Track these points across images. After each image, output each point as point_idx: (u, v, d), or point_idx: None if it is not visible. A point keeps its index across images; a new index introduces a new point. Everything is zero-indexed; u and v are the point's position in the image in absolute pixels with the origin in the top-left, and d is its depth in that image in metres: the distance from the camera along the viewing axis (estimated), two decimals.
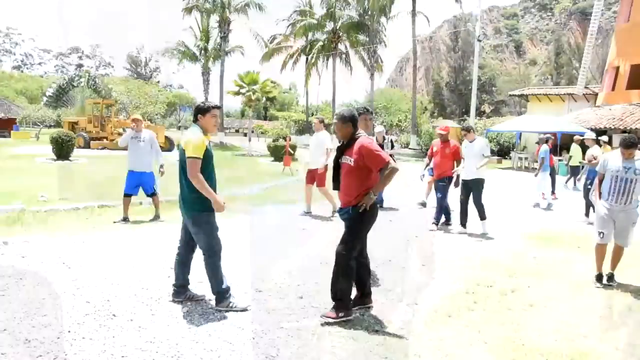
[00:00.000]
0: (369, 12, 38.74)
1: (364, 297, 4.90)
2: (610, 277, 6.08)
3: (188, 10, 40.14)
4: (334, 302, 4.58)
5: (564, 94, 32.96)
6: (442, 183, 9.22)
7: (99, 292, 5.01)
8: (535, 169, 14.93)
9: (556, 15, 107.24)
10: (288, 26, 45.95)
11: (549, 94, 33.86)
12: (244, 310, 4.72)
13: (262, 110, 74.68)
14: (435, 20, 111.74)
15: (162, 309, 4.69)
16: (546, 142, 13.35)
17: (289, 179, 15.77)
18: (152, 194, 8.86)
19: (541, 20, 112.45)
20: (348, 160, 4.61)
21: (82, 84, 37.23)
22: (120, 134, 28.22)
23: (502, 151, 33.63)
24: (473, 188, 8.87)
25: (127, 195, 8.64)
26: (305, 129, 49.01)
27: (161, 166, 8.93)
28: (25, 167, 15.91)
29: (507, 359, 3.97)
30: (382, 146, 10.55)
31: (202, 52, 43.42)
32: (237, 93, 32.54)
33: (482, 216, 8.98)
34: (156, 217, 8.86)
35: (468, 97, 45.19)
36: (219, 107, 5.02)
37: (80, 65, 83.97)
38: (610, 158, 6.16)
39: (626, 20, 28.70)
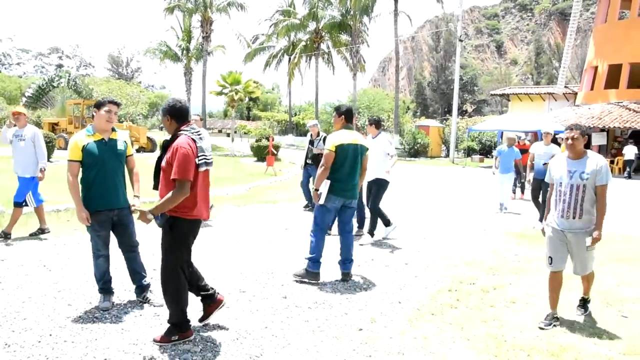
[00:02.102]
0: (351, 12, 38.82)
1: (209, 301, 4.40)
2: (584, 303, 5.01)
3: (170, 9, 39.90)
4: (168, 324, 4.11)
5: (545, 94, 33.42)
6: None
7: (80, 295, 4.96)
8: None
9: (536, 16, 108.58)
10: (270, 26, 45.95)
11: (530, 94, 34.29)
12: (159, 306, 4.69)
13: (245, 111, 74.47)
14: (417, 21, 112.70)
15: (145, 310, 4.66)
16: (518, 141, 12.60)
17: (272, 179, 15.75)
18: (21, 204, 7.20)
19: (521, 20, 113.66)
20: (164, 158, 4.01)
21: (62, 85, 36.76)
22: None
23: (484, 150, 33.95)
24: (372, 190, 7.89)
25: (18, 204, 7.20)
26: (288, 129, 48.98)
27: (41, 170, 7.21)
28: (3, 168, 15.67)
29: (489, 355, 4.01)
30: (312, 142, 10.29)
31: (184, 52, 43.19)
32: (220, 93, 32.37)
33: (384, 222, 8.10)
34: (38, 232, 7.42)
35: (450, 97, 45.55)
36: (117, 104, 4.77)
37: (60, 66, 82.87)
38: (554, 161, 4.98)
39: (604, 21, 29.18)
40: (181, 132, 3.97)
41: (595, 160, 4.60)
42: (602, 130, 25.34)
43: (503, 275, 6.25)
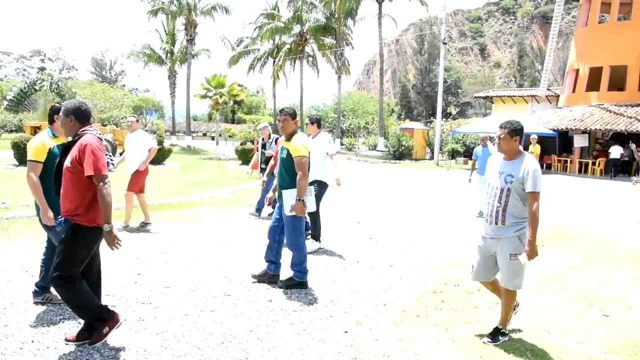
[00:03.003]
0: (336, 15, 38.90)
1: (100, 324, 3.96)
2: (495, 334, 4.35)
3: (154, 12, 39.67)
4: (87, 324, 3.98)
5: (527, 96, 33.78)
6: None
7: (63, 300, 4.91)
8: None
9: (519, 19, 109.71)
10: (255, 29, 45.88)
11: (513, 96, 34.64)
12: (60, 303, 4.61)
13: (230, 114, 74.23)
14: (401, 24, 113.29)
15: (129, 315, 4.62)
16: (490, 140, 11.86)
17: (257, 182, 15.70)
18: None
19: (504, 23, 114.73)
20: (68, 160, 3.83)
21: (44, 88, 36.28)
22: None
23: (469, 152, 34.14)
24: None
25: None
26: (273, 132, 48.87)
27: None
28: None
29: (474, 356, 4.04)
30: (264, 146, 10.03)
31: (168, 55, 42.98)
32: (204, 96, 32.21)
33: (313, 233, 7.51)
34: None
35: (434, 99, 45.85)
36: None
37: (42, 69, 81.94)
38: (490, 160, 4.57)
39: (584, 25, 29.58)
40: (85, 131, 3.88)
41: (525, 164, 4.16)
42: (584, 132, 25.65)
43: None
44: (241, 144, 25.69)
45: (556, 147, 26.99)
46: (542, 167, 27.30)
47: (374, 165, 28.54)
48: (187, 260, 6.56)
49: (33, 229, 7.86)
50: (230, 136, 50.45)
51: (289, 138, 5.55)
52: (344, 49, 40.64)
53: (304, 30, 41.50)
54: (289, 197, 5.39)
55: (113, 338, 4.09)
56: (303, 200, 5.34)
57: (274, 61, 44.10)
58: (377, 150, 37.10)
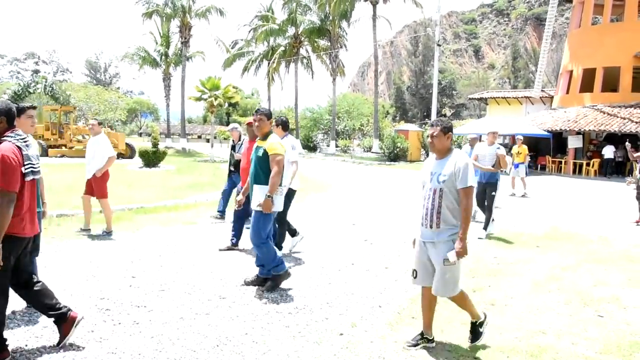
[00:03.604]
0: (330, 17, 38.92)
1: (62, 321, 3.98)
2: (473, 328, 4.28)
3: (148, 14, 39.59)
4: None
5: (522, 97, 33.86)
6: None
7: None
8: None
9: (512, 21, 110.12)
10: (249, 31, 45.81)
11: (507, 97, 34.71)
12: None
13: (225, 116, 74.18)
14: (396, 25, 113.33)
15: (124, 318, 4.60)
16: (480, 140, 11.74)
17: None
18: None
19: (498, 25, 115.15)
20: None
21: (38, 90, 36.17)
22: (79, 142, 27.66)
23: None
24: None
25: None
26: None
27: None
28: None
29: (469, 357, 4.05)
30: (234, 147, 9.55)
31: (163, 57, 42.92)
32: (199, 99, 32.25)
33: (290, 232, 7.36)
34: None
35: (429, 101, 45.90)
36: (35, 107, 4.63)
37: (36, 71, 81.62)
38: (425, 161, 4.44)
39: (578, 26, 29.71)
40: (5, 137, 3.61)
41: (454, 161, 4.02)
42: (578, 133, 25.75)
43: (482, 277, 6.30)
44: None
45: (550, 148, 27.09)
46: (536, 168, 27.45)
47: (369, 167, 28.57)
48: (182, 263, 6.54)
49: None
50: (225, 138, 50.42)
51: (264, 138, 5.57)
52: (339, 51, 40.69)
53: (299, 32, 41.51)
54: (259, 192, 5.39)
55: (105, 341, 4.08)
56: (272, 197, 5.34)
57: (269, 63, 44.07)
58: (372, 152, 37.12)
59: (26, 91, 36.81)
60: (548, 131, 26.14)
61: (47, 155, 25.58)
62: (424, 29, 72.20)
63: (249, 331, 4.42)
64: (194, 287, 5.54)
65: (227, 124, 70.99)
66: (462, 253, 3.93)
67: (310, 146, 44.43)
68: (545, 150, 27.78)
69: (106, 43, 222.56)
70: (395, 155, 31.63)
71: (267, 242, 5.54)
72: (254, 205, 5.45)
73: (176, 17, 39.89)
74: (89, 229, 8.25)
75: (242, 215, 7.30)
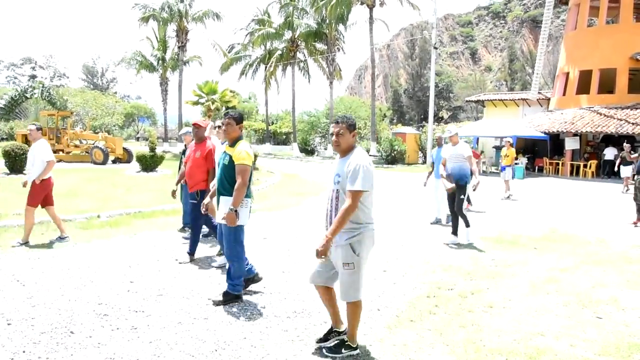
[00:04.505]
0: (327, 21, 38.96)
1: None
2: (338, 345, 4.10)
3: (145, 19, 39.63)
4: None
5: (519, 99, 33.92)
6: (193, 201, 6.83)
7: (55, 309, 4.87)
8: (493, 172, 15.22)
9: (509, 23, 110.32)
10: (246, 35, 45.88)
11: (504, 100, 34.77)
12: None
13: None
14: (392, 28, 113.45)
15: (122, 324, 4.59)
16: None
17: (250, 188, 15.67)
18: None
19: (495, 28, 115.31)
20: None
21: (35, 95, 36.11)
22: (76, 146, 27.62)
23: None
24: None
25: None
26: (265, 138, 48.90)
27: None
28: None
29: None
30: (185, 152, 9.16)
31: (160, 62, 42.92)
32: (196, 103, 32.25)
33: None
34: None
35: (426, 104, 45.98)
36: None
37: (33, 76, 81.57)
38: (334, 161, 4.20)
39: (573, 28, 29.79)
40: None
41: (350, 160, 3.81)
42: (575, 135, 25.80)
43: (480, 280, 6.30)
44: None
45: (548, 150, 27.14)
46: (534, 169, 27.50)
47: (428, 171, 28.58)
48: (180, 268, 6.53)
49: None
50: (222, 142, 50.28)
51: (232, 144, 5.20)
52: (336, 54, 40.73)
53: (295, 36, 41.57)
54: (225, 205, 5.10)
55: (103, 347, 4.07)
56: (237, 211, 5.00)
57: (266, 67, 44.13)
58: (370, 155, 37.11)
59: (23, 96, 36.76)
60: (545, 133, 26.20)
61: None
62: (420, 31, 72.24)
63: (247, 335, 4.42)
64: (192, 292, 5.53)
65: None
66: (321, 252, 3.68)
67: (307, 150, 44.43)
68: (543, 152, 27.84)
69: (103, 48, 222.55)
70: (393, 158, 31.65)
71: (242, 256, 5.30)
72: (219, 219, 5.19)
73: (173, 21, 39.94)
74: (67, 236, 7.91)
75: (186, 200, 7.07)
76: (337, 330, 4.20)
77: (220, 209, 5.20)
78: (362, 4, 37.03)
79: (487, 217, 11.66)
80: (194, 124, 7.01)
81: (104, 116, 47.88)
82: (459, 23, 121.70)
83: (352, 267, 3.82)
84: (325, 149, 41.79)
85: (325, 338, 4.17)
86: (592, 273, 6.73)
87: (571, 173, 25.83)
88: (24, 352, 3.97)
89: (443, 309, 5.19)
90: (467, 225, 8.53)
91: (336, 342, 4.13)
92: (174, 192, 7.57)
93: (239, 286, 5.31)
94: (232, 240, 5.21)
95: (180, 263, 6.75)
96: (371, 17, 36.99)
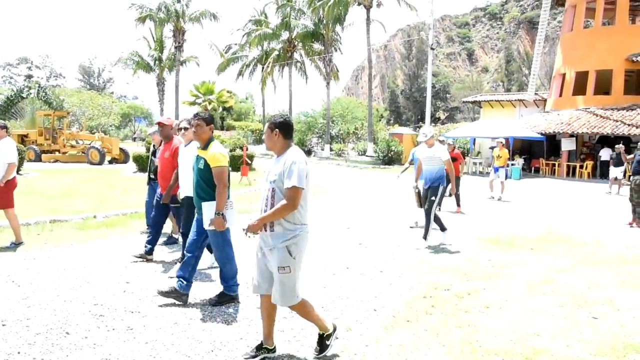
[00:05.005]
0: (324, 22, 39.00)
1: None
2: (320, 340, 4.06)
3: (141, 19, 39.61)
4: None
5: (515, 100, 33.97)
6: (174, 205, 6.70)
7: (51, 310, 4.86)
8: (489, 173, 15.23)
9: (505, 24, 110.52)
10: (243, 36, 45.88)
11: (501, 101, 34.82)
12: None
13: (219, 120, 74.03)
14: (389, 29, 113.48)
15: (118, 324, 4.58)
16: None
17: (246, 189, 15.68)
18: None
19: (492, 29, 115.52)
20: None
21: (31, 95, 35.99)
22: (73, 147, 27.56)
23: None
24: (182, 211, 6.19)
25: None
26: (262, 138, 48.87)
27: None
28: None
29: None
30: (155, 153, 9.05)
31: (157, 62, 42.90)
32: (193, 103, 32.32)
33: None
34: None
35: (423, 104, 46.00)
36: None
37: (29, 76, 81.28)
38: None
39: (570, 30, 29.87)
40: None
41: (285, 158, 3.79)
42: (571, 135, 25.86)
43: (477, 280, 6.31)
44: (230, 151, 25.65)
45: (544, 151, 27.21)
46: (530, 170, 27.56)
47: (364, 170, 28.59)
48: (176, 268, 6.51)
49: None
50: (185, 145, 50.24)
51: (205, 146, 5.08)
52: (333, 55, 40.75)
53: (293, 37, 41.60)
54: (209, 210, 4.96)
55: (99, 347, 4.06)
56: (223, 214, 4.93)
57: (263, 67, 44.14)
58: (367, 156, 37.15)
59: (19, 96, 36.63)
60: (541, 134, 26.26)
61: (40, 160, 25.50)
62: (417, 32, 72.43)
63: (243, 336, 4.41)
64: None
65: (222, 128, 70.95)
66: (250, 227, 3.72)
67: (304, 150, 44.43)
68: (539, 153, 27.90)
69: (100, 48, 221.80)
70: (390, 158, 31.68)
71: (233, 258, 5.26)
72: (206, 225, 5.01)
73: (170, 21, 39.93)
74: (22, 242, 7.54)
75: (158, 221, 6.90)
76: (267, 347, 4.00)
77: (205, 215, 5.01)
78: (359, 4, 37.11)
79: (484, 217, 11.67)
80: (158, 123, 6.87)
81: (100, 116, 47.76)
82: (456, 24, 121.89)
83: (288, 271, 3.73)
84: (322, 149, 41.76)
85: (255, 355, 3.97)
86: (588, 274, 6.74)
87: (567, 174, 25.89)
88: (19, 353, 3.96)
89: (439, 310, 5.19)
90: (443, 229, 8.45)
91: (317, 340, 4.05)
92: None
93: (234, 286, 5.29)
94: (221, 242, 5.16)
95: (136, 259, 6.74)
96: (368, 18, 37.06)
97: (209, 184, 5.03)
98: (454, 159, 12.38)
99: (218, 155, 5.00)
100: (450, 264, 7.08)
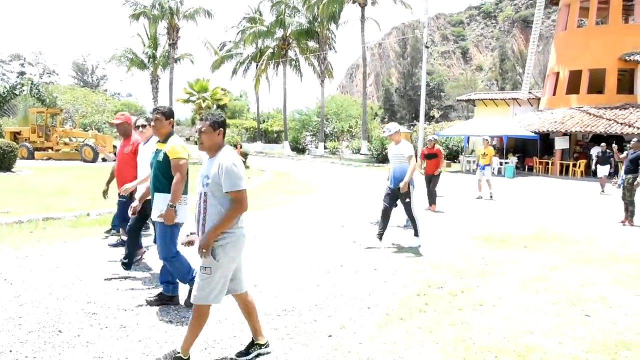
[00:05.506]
0: (319, 19, 38.97)
1: None
2: (251, 348, 3.97)
3: (135, 16, 39.41)
4: None
5: (509, 99, 34.10)
6: (122, 199, 6.58)
7: (43, 308, 4.83)
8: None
9: (500, 23, 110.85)
10: (238, 33, 45.75)
11: (495, 99, 34.94)
12: None
13: None
14: (384, 27, 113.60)
15: (111, 322, 4.56)
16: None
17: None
18: None
19: (486, 27, 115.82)
20: None
21: (24, 92, 35.80)
22: (66, 144, 27.42)
23: (451, 155, 34.44)
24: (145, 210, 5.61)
25: None
26: (256, 136, 48.82)
27: None
28: None
29: (458, 358, 4.05)
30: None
31: (151, 59, 42.69)
32: (187, 101, 32.21)
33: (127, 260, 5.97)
34: None
35: (417, 103, 46.09)
36: None
37: (22, 73, 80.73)
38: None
39: (564, 29, 29.98)
40: None
41: (219, 160, 3.65)
42: (565, 134, 25.97)
43: (470, 278, 6.33)
44: None
45: (537, 149, 27.31)
46: (524, 169, 27.65)
47: (358, 168, 28.61)
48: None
49: (12, 236, 7.76)
50: (144, 143, 50.19)
51: (164, 140, 4.89)
52: (327, 53, 40.74)
53: (287, 34, 41.54)
54: (161, 201, 4.81)
55: (92, 346, 4.04)
56: (175, 207, 4.75)
57: (257, 65, 44.05)
58: (361, 154, 37.18)
59: (12, 93, 36.43)
60: (535, 132, 26.36)
61: (33, 158, 25.36)
62: (412, 31, 72.49)
63: (237, 334, 4.40)
64: (181, 290, 5.50)
65: None
66: (201, 247, 3.57)
67: (299, 148, 44.42)
68: (533, 152, 28.01)
69: (93, 45, 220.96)
70: (384, 156, 31.67)
71: (178, 254, 4.97)
72: (155, 216, 4.84)
73: (164, 18, 39.75)
74: None
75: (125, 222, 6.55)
76: (259, 343, 3.98)
77: (155, 206, 4.86)
78: (354, 2, 37.11)
79: (477, 215, 11.71)
80: (111, 123, 6.58)
81: (94, 114, 47.58)
82: (450, 22, 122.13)
83: (209, 272, 3.60)
84: (317, 147, 41.78)
85: (247, 352, 3.94)
86: (580, 271, 6.77)
87: (561, 172, 26.01)
88: (10, 351, 3.93)
89: (433, 307, 5.20)
90: (416, 233, 8.18)
91: (167, 352, 3.83)
92: (104, 192, 7.17)
93: (174, 287, 5.08)
94: (169, 239, 4.86)
95: (106, 280, 5.88)
96: (363, 16, 37.06)
97: (166, 176, 4.84)
98: (433, 155, 12.48)
99: (178, 147, 4.82)
100: (444, 262, 7.09)
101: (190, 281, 4.92)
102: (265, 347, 4.00)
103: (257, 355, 3.96)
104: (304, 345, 4.20)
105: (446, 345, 4.26)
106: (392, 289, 5.83)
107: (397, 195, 8.05)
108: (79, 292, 5.35)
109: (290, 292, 5.59)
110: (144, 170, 5.76)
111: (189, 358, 3.76)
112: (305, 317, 4.84)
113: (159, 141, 4.97)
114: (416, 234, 8.21)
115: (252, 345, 3.98)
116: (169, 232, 4.85)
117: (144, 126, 5.96)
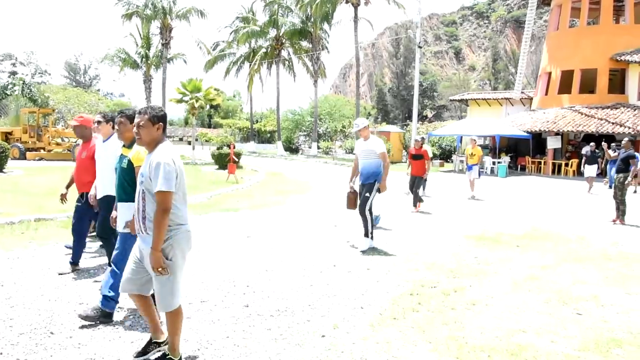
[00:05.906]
0: (312, 19, 38.96)
1: None
2: (149, 347, 3.88)
3: (128, 16, 39.19)
4: None
5: (502, 99, 34.23)
6: (79, 203, 6.33)
7: (35, 310, 4.81)
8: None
9: (492, 23, 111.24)
10: (231, 33, 45.73)
11: (488, 99, 35.06)
12: None
13: (206, 118, 73.79)
14: (377, 27, 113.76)
15: (103, 324, 4.54)
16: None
17: (234, 187, 15.64)
18: None
19: (479, 27, 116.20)
20: None
21: (16, 92, 35.60)
22: (58, 144, 27.30)
23: (444, 154, 34.53)
24: (100, 212, 5.70)
25: None
26: (250, 136, 48.77)
27: None
28: None
29: (451, 357, 4.06)
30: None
31: (144, 59, 42.51)
32: (180, 101, 31.96)
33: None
34: None
35: (410, 103, 46.16)
36: None
37: (14, 73, 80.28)
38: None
39: (556, 29, 30.13)
40: None
41: (152, 157, 3.54)
42: (557, 134, 26.09)
43: (463, 277, 6.34)
44: (218, 149, 25.57)
45: (530, 149, 27.43)
46: (516, 168, 27.76)
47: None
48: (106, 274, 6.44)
49: (3, 237, 7.72)
50: (206, 140, 50.19)
51: (129, 145, 4.59)
52: (320, 53, 40.73)
53: (280, 34, 41.53)
54: (126, 211, 4.53)
55: (84, 347, 4.02)
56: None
57: (250, 65, 43.99)
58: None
59: (3, 93, 36.20)
60: (527, 132, 26.47)
61: (25, 158, 25.24)
62: (405, 30, 72.61)
63: (230, 334, 4.40)
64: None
65: (209, 126, 70.71)
66: (160, 271, 3.46)
67: (292, 148, 44.41)
68: (525, 151, 28.13)
69: (86, 44, 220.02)
70: None
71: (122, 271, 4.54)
72: (120, 227, 4.61)
73: (156, 18, 39.55)
74: None
75: (82, 229, 6.34)
76: (157, 341, 3.88)
77: (120, 216, 4.62)
78: (347, 2, 37.06)
79: (470, 215, 11.74)
80: (74, 126, 6.30)
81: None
82: (443, 22, 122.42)
83: (168, 272, 3.52)
84: (310, 147, 41.77)
85: (144, 351, 3.82)
86: (572, 270, 6.81)
87: (553, 172, 26.14)
88: (1, 353, 3.91)
89: (426, 307, 5.21)
90: (366, 234, 7.85)
91: (158, 355, 3.83)
92: (63, 196, 6.78)
93: (113, 302, 4.66)
94: (127, 248, 4.44)
95: (60, 274, 6.02)
96: (356, 16, 37.05)
97: (131, 184, 4.45)
98: (419, 157, 12.29)
99: (143, 154, 4.28)
100: (437, 262, 7.11)
101: (112, 299, 4.63)
102: (165, 345, 3.86)
103: (163, 354, 3.82)
104: (298, 346, 4.20)
105: (439, 345, 4.27)
106: (385, 288, 5.84)
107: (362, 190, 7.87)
108: (71, 293, 5.33)
109: (283, 292, 5.58)
110: (103, 168, 5.56)
111: (180, 358, 3.77)
112: (298, 318, 4.84)
113: (124, 146, 4.73)
114: (366, 235, 7.86)
115: (150, 343, 3.89)
116: (129, 242, 4.50)
117: (99, 122, 5.66)
